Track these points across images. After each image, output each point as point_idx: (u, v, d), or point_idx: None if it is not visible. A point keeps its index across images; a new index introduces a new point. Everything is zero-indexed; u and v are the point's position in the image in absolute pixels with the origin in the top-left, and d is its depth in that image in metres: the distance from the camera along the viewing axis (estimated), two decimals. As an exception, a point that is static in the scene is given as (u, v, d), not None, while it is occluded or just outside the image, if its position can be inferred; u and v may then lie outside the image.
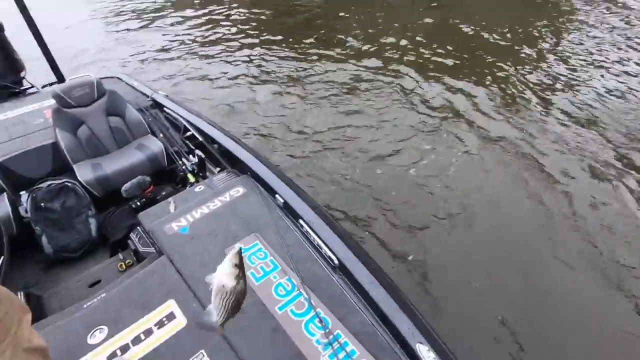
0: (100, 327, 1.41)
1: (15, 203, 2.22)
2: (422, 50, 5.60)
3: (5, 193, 2.21)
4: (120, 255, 2.12)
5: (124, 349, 1.34)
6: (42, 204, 2.16)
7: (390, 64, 5.25)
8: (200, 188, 2.13)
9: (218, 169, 2.49)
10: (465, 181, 3.27)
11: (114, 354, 1.32)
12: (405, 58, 5.41)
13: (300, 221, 1.75)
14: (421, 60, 5.35)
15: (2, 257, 1.76)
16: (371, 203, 3.09)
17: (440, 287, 2.45)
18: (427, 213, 2.98)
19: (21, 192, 2.24)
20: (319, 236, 1.65)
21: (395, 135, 3.87)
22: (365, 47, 5.79)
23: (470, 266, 2.58)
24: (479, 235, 2.81)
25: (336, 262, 1.55)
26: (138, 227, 2.05)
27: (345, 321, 1.37)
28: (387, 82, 4.81)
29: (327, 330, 1.32)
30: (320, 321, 1.35)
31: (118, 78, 3.44)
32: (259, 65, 5.47)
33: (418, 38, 6.01)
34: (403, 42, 5.86)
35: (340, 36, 6.17)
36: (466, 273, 2.54)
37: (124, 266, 2.06)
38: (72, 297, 1.88)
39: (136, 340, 1.36)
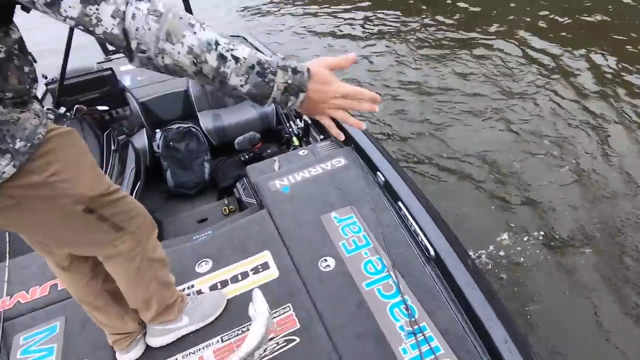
0: (206, 259, 1.58)
1: (151, 139, 2.58)
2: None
3: (144, 129, 2.57)
4: (226, 201, 2.33)
5: (224, 283, 1.49)
6: (171, 143, 2.47)
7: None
8: (303, 152, 2.19)
9: (322, 136, 2.53)
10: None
11: (214, 286, 1.48)
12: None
13: (399, 203, 1.69)
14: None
15: (139, 181, 2.07)
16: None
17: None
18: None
19: (157, 130, 2.59)
20: (417, 223, 1.58)
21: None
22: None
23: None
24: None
25: (432, 253, 1.47)
26: (244, 178, 2.22)
27: (433, 316, 1.31)
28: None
29: (413, 320, 1.28)
30: (407, 308, 1.32)
31: (244, 38, 3.66)
32: (374, 26, 5.39)
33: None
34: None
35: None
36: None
37: (227, 210, 2.27)
38: (183, 228, 2.15)
39: (234, 279, 1.50)
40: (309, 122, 2.58)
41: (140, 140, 2.48)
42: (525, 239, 2.52)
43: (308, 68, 0.72)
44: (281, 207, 1.78)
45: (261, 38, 3.73)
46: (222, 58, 0.65)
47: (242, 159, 2.52)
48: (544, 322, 2.08)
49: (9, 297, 1.49)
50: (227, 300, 1.41)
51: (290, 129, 2.64)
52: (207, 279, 1.50)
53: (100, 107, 2.14)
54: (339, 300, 1.37)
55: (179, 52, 0.64)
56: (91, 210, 0.92)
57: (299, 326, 1.31)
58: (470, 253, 2.34)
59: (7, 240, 1.72)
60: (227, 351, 1.26)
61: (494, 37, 4.77)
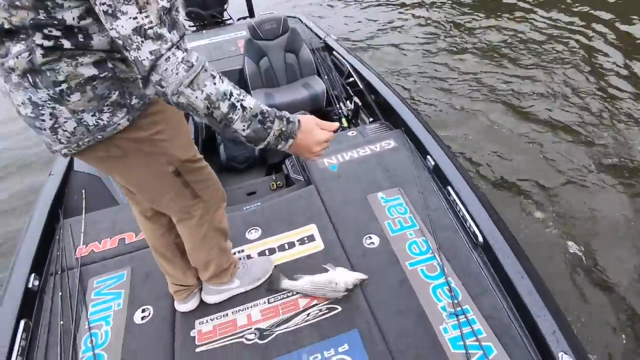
0: (256, 227, 1.67)
1: (207, 113, 2.71)
2: None
3: None
4: (274, 177, 2.42)
5: (271, 251, 1.57)
6: (226, 118, 2.58)
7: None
8: (352, 133, 2.21)
9: (371, 119, 2.53)
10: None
11: (263, 252, 1.57)
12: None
13: (449, 188, 1.67)
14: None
15: (197, 152, 2.20)
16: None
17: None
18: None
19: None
20: (466, 208, 1.55)
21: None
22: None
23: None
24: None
25: (480, 239, 1.45)
26: (292, 156, 2.29)
27: (477, 300, 1.30)
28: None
29: (456, 302, 1.29)
30: (450, 290, 1.32)
31: (298, 18, 3.70)
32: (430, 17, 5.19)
33: None
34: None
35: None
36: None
37: (275, 186, 2.35)
38: (233, 199, 2.26)
39: (281, 248, 1.57)
40: (359, 104, 2.58)
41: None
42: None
43: (299, 119, 0.87)
44: (328, 184, 1.82)
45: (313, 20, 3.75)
46: (232, 107, 0.76)
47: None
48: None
49: (84, 245, 1.67)
50: (275, 265, 1.49)
51: (340, 111, 2.66)
52: (256, 245, 1.59)
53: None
54: (381, 276, 1.40)
55: (196, 97, 0.73)
56: (179, 173, 1.02)
57: (341, 296, 1.36)
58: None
59: (84, 197, 1.92)
60: (273, 312, 1.35)
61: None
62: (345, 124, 2.54)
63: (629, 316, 1.97)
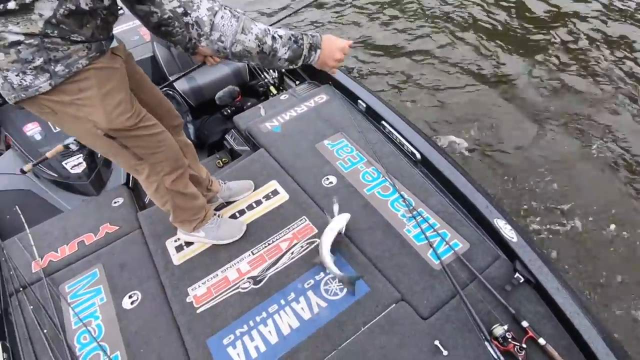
0: (218, 196, 1.73)
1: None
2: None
3: None
4: (217, 155, 2.44)
5: (241, 212, 1.65)
6: (152, 108, 2.49)
7: None
8: (285, 96, 2.32)
9: (297, 81, 2.65)
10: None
11: (233, 215, 1.64)
12: None
13: (383, 122, 1.90)
14: None
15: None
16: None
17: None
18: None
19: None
20: (401, 134, 1.80)
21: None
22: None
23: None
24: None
25: (418, 156, 1.71)
26: (232, 130, 2.33)
27: (426, 202, 1.56)
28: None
29: (412, 207, 1.53)
30: (404, 200, 1.56)
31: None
32: None
33: None
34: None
35: None
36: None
37: (221, 163, 2.38)
38: None
39: (249, 207, 1.67)
40: (283, 70, 2.68)
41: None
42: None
43: (319, 34, 1.07)
44: (277, 144, 1.93)
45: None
46: (273, 38, 0.99)
47: (225, 113, 2.59)
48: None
49: (40, 258, 1.58)
50: (248, 224, 1.59)
51: (265, 80, 2.73)
52: (227, 210, 1.66)
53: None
54: (346, 205, 1.58)
55: (249, 40, 0.96)
56: (111, 137, 1.09)
57: (316, 231, 1.52)
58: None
59: (20, 212, 1.77)
60: (260, 260, 1.46)
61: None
62: (274, 91, 2.63)
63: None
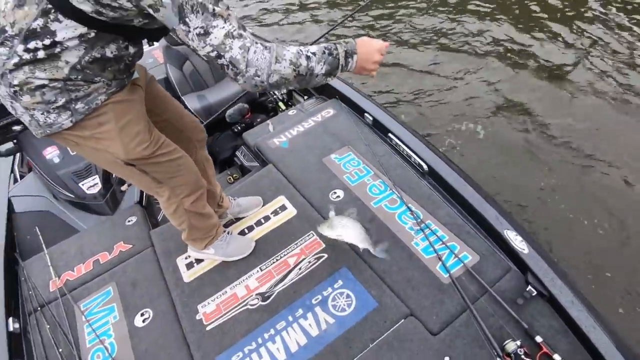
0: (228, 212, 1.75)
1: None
2: None
3: None
4: (228, 171, 2.48)
5: (250, 228, 1.67)
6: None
7: None
8: (293, 112, 2.36)
9: (305, 96, 2.69)
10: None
11: (242, 232, 1.66)
12: None
13: (389, 135, 1.90)
14: None
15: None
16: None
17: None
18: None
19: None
20: (408, 146, 1.79)
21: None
22: None
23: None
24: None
25: (425, 168, 1.69)
26: (242, 147, 2.38)
27: (434, 214, 1.54)
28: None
29: (419, 220, 1.51)
30: (412, 213, 1.54)
31: None
32: None
33: None
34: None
35: None
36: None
37: (232, 179, 2.42)
38: None
39: (258, 223, 1.68)
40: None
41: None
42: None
43: (353, 39, 1.03)
44: (284, 159, 1.96)
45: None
46: (307, 58, 0.95)
47: (235, 130, 2.65)
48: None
49: (57, 277, 1.63)
50: (257, 240, 1.60)
51: (274, 96, 2.78)
52: (235, 226, 1.68)
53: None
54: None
55: (284, 67, 0.93)
56: (131, 164, 1.12)
57: (324, 246, 1.52)
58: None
59: (39, 233, 1.84)
60: (268, 276, 1.46)
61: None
62: (282, 107, 2.67)
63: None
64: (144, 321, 1.42)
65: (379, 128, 1.99)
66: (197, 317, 1.39)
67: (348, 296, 1.34)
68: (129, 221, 1.84)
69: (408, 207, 1.57)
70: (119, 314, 1.46)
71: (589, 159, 2.68)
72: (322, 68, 0.97)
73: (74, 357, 1.33)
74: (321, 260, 1.48)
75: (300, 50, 0.96)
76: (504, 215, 1.43)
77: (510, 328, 1.15)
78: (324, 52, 0.98)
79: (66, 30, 0.85)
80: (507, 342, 1.10)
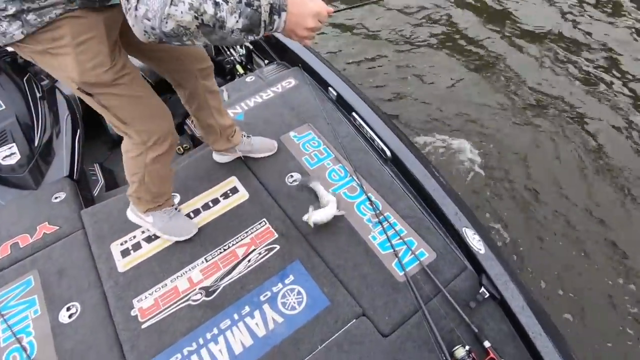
0: (174, 193, 1.58)
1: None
2: None
3: None
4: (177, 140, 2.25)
5: (196, 212, 1.52)
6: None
7: None
8: (251, 79, 2.13)
9: (266, 61, 2.45)
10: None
11: (188, 216, 1.51)
12: None
13: (353, 114, 1.76)
14: None
15: (78, 129, 1.92)
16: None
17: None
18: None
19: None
20: (372, 129, 1.68)
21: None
22: None
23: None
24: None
25: (389, 154, 1.60)
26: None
27: (394, 205, 1.46)
28: None
29: (378, 212, 1.43)
30: (371, 204, 1.46)
31: None
32: None
33: None
34: None
35: None
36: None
37: (181, 149, 2.20)
38: None
39: (205, 207, 1.53)
40: (251, 47, 2.47)
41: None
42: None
43: None
44: (239, 134, 1.77)
45: None
46: (215, 5, 0.74)
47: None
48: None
49: None
50: (204, 226, 1.46)
51: (232, 58, 2.51)
52: (180, 207, 1.52)
53: (9, 49, 1.86)
54: (309, 207, 1.47)
55: (181, 12, 0.71)
56: (87, 93, 1.01)
57: (276, 236, 1.41)
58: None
59: None
60: (213, 268, 1.34)
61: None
62: (240, 70, 2.42)
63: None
64: (70, 316, 1.27)
65: (342, 105, 1.84)
66: (132, 313, 1.26)
67: (299, 293, 1.27)
68: (55, 197, 1.61)
69: (367, 197, 1.48)
70: (41, 308, 1.29)
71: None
72: (236, 21, 0.76)
73: (-16, 359, 1.17)
74: (273, 251, 1.37)
75: None
76: (464, 211, 1.39)
77: (460, 332, 1.13)
78: (241, 1, 0.77)
79: None
80: (456, 347, 1.08)
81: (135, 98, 1.08)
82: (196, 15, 0.73)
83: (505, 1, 3.93)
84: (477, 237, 1.31)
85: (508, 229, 2.25)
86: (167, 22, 0.71)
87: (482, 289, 1.21)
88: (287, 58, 2.24)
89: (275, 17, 0.81)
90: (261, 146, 1.66)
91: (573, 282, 2.05)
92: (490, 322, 1.16)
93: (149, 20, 0.71)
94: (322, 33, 3.57)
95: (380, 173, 1.58)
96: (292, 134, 1.75)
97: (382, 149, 1.63)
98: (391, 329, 1.18)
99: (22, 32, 0.89)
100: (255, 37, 0.82)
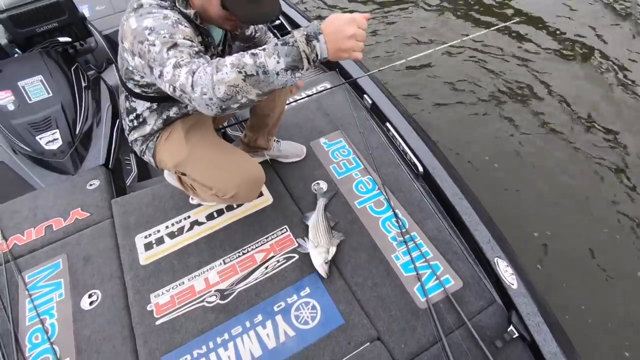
0: (199, 192, 1.59)
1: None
2: None
3: (114, 64, 2.40)
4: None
5: (219, 212, 1.52)
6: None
7: None
8: (286, 80, 2.11)
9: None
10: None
11: (211, 215, 1.51)
12: None
13: (387, 124, 1.70)
14: None
15: (118, 119, 1.98)
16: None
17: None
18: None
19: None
20: (405, 142, 1.60)
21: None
22: None
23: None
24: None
25: (421, 169, 1.52)
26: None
27: (422, 225, 1.39)
28: None
29: (404, 230, 1.36)
30: (398, 221, 1.39)
31: None
32: None
33: None
34: None
35: None
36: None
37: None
38: None
39: (229, 208, 1.53)
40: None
41: (112, 76, 2.33)
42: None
43: (318, 21, 0.83)
44: (269, 136, 1.76)
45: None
46: (253, 55, 0.79)
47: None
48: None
49: (4, 240, 1.49)
50: (225, 227, 1.46)
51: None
52: (203, 209, 1.52)
53: (61, 39, 1.96)
54: (333, 218, 1.43)
55: (226, 73, 0.78)
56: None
57: (296, 244, 1.38)
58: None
59: None
60: (231, 271, 1.33)
61: None
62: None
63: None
64: (91, 304, 1.31)
65: (377, 114, 1.78)
66: (149, 308, 1.27)
67: (314, 307, 1.23)
68: (90, 185, 1.67)
69: (395, 213, 1.41)
70: (65, 292, 1.34)
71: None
72: (277, 61, 0.78)
73: (10, 336, 1.22)
74: (291, 261, 1.34)
75: (243, 52, 0.81)
76: (498, 239, 1.29)
77: (482, 371, 1.04)
78: (277, 44, 0.79)
79: (140, 106, 1.20)
80: (476, 389, 1.00)
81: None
82: (239, 70, 0.78)
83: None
84: (510, 270, 1.21)
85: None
86: (219, 88, 0.78)
87: (511, 327, 1.11)
88: (325, 61, 2.20)
89: (314, 42, 0.80)
90: (290, 151, 1.64)
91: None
92: (517, 365, 1.07)
93: (205, 94, 0.79)
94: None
95: (410, 189, 1.50)
96: (322, 140, 1.71)
97: (414, 163, 1.55)
98: (406, 358, 1.11)
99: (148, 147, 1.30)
100: (304, 72, 0.82)
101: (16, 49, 2.00)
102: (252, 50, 0.80)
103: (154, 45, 0.87)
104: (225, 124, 2.12)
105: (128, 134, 1.31)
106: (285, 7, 2.54)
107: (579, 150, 2.56)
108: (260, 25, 1.39)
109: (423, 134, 1.65)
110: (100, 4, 2.76)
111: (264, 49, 0.79)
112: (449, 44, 1.89)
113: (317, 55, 0.80)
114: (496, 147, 2.56)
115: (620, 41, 3.39)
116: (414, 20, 3.72)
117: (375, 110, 1.79)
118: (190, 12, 0.99)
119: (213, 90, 0.78)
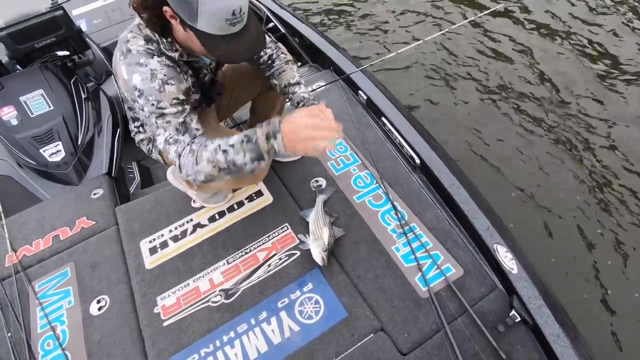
0: (201, 195, 1.61)
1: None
2: None
3: (112, 75, 2.44)
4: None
5: (221, 214, 1.54)
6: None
7: None
8: (282, 81, 2.13)
9: (299, 63, 2.45)
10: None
11: (213, 217, 1.53)
12: None
13: (383, 119, 1.71)
14: None
15: (119, 129, 2.02)
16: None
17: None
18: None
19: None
20: (401, 135, 1.61)
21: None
22: None
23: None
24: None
25: (417, 161, 1.53)
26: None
27: (421, 216, 1.40)
28: None
29: (403, 222, 1.37)
30: (397, 213, 1.40)
31: None
32: None
33: None
34: None
35: None
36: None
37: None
38: None
39: (230, 209, 1.55)
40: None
41: (111, 87, 2.37)
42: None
43: (279, 120, 0.94)
44: (267, 137, 1.78)
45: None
46: (224, 152, 0.95)
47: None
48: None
49: (14, 252, 1.52)
50: (227, 228, 1.48)
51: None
52: (205, 211, 1.55)
53: (60, 53, 2.00)
54: (332, 213, 1.45)
55: (204, 166, 0.97)
56: None
57: (297, 241, 1.39)
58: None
59: None
60: (234, 271, 1.35)
61: None
62: (273, 73, 2.44)
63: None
64: (99, 309, 1.34)
65: (372, 109, 1.79)
66: (156, 310, 1.29)
67: (317, 302, 1.24)
68: (94, 194, 1.70)
69: (393, 206, 1.42)
70: (75, 299, 1.37)
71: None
72: (244, 157, 0.94)
73: (23, 344, 1.25)
74: (293, 258, 1.36)
75: (218, 146, 0.96)
76: (497, 226, 1.29)
77: (486, 356, 1.05)
78: (242, 142, 0.95)
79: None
80: (480, 374, 1.01)
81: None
82: (213, 165, 0.96)
83: None
84: (509, 255, 1.22)
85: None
86: (199, 175, 0.99)
87: (513, 311, 1.12)
88: (319, 61, 2.23)
89: (272, 140, 0.93)
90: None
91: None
92: (520, 348, 1.07)
93: (189, 175, 1.01)
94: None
95: (408, 181, 1.51)
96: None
97: (411, 156, 1.56)
98: (410, 347, 1.12)
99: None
100: (265, 161, 0.96)
101: (17, 66, 2.05)
102: (223, 147, 0.95)
103: (143, 110, 1.00)
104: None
105: (134, 137, 1.40)
106: (276, 9, 2.57)
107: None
108: (270, 51, 1.35)
109: (419, 126, 1.66)
110: (97, 17, 2.80)
111: (232, 145, 0.94)
112: (428, 38, 1.90)
113: (276, 151, 0.94)
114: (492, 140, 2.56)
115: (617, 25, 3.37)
116: (403, 13, 3.72)
117: (370, 106, 1.80)
118: (175, 55, 1.05)
119: (195, 175, 1.00)
